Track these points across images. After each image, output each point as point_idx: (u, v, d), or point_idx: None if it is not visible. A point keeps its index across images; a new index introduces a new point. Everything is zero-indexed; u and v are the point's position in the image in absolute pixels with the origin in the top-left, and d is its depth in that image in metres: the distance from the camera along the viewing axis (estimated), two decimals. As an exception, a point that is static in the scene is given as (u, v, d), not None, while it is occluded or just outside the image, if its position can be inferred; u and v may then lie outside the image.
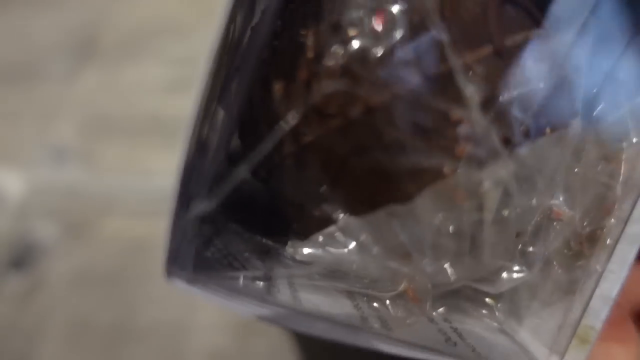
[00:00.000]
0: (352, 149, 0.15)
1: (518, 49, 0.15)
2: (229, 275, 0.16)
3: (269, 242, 0.17)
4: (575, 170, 0.16)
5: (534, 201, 0.15)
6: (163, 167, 0.35)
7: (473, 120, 0.14)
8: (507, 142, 0.15)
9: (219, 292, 0.14)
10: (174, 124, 0.36)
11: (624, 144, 0.17)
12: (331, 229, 0.17)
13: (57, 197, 0.35)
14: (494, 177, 0.15)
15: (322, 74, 0.15)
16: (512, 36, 0.15)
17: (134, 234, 0.33)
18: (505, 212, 0.15)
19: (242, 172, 0.15)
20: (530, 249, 0.17)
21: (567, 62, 0.15)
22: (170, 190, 0.17)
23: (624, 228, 0.16)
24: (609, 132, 0.17)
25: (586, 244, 0.16)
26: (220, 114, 0.15)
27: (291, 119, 0.15)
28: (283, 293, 0.17)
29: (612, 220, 0.16)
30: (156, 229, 0.33)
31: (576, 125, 0.16)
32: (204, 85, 0.13)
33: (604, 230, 0.16)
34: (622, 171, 0.16)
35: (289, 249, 0.18)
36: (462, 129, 0.15)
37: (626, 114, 0.17)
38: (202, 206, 0.14)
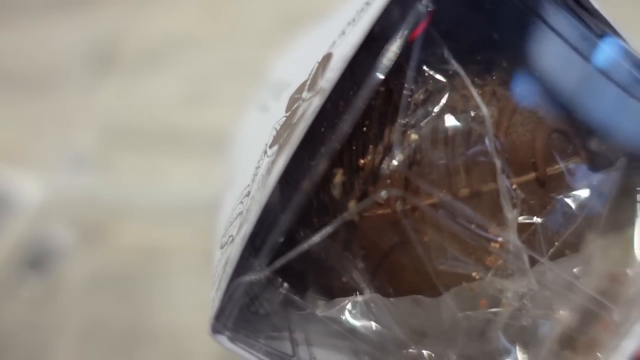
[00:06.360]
0: (396, 242, 0.17)
1: (559, 177, 0.17)
2: (266, 334, 0.17)
3: (296, 297, 0.19)
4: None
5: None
6: (178, 177, 0.36)
7: (508, 239, 0.16)
8: (534, 262, 0.16)
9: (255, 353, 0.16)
10: (190, 136, 0.37)
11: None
12: (358, 298, 0.18)
13: (75, 203, 0.36)
14: (516, 290, 0.16)
15: (382, 175, 0.16)
16: (554, 165, 0.17)
17: (149, 241, 0.34)
18: (518, 321, 0.17)
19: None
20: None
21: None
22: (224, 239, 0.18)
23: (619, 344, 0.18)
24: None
25: (580, 352, 0.18)
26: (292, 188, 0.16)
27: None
28: (302, 350, 0.18)
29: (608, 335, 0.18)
30: (170, 236, 0.34)
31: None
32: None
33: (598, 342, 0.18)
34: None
35: (312, 304, 0.19)
36: (497, 244, 0.16)
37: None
38: (256, 275, 0.15)
